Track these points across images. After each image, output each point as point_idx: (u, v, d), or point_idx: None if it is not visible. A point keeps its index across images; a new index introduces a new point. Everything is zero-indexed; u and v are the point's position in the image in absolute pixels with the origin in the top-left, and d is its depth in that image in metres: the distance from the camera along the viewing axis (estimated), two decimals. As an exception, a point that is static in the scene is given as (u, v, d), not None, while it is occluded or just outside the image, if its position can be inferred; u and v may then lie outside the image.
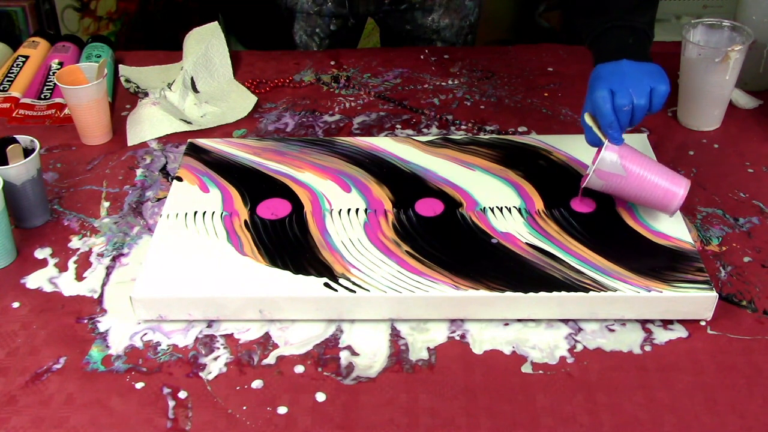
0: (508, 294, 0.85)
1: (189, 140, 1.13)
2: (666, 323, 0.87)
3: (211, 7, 2.32)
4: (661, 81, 0.92)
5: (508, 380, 0.82)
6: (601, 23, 1.00)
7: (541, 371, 0.82)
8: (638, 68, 0.93)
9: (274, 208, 0.98)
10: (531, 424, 0.77)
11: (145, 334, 0.88)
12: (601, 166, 0.92)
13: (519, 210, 0.97)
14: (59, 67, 1.33)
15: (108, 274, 0.95)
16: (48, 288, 0.94)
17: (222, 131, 1.21)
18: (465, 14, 1.46)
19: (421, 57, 1.39)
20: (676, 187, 0.91)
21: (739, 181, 1.08)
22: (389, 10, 1.45)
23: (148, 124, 1.21)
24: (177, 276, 0.89)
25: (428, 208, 0.98)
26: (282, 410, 0.79)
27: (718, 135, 1.18)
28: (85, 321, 0.90)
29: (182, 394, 0.81)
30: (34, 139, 1.01)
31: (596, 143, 0.94)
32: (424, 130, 1.20)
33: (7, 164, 0.98)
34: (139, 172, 1.13)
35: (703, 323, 0.87)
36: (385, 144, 1.10)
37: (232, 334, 0.87)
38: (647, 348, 0.85)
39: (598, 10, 1.00)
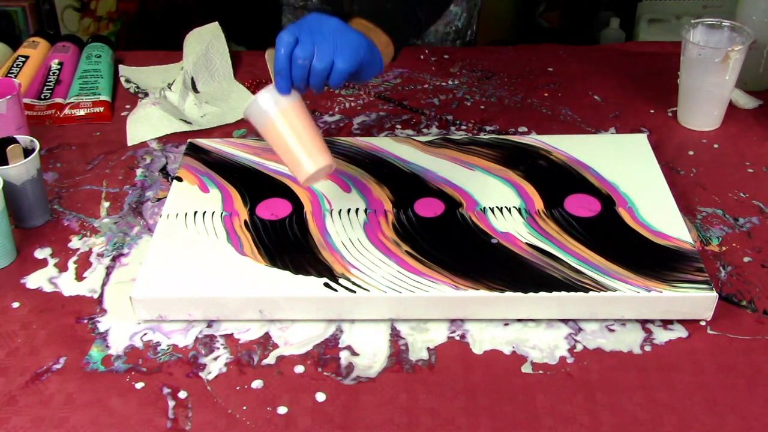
0: (508, 294, 0.85)
1: (189, 140, 1.13)
2: (666, 323, 0.87)
3: (211, 7, 2.32)
4: (344, 56, 0.85)
5: (508, 380, 0.82)
6: None
7: (541, 371, 0.82)
8: (341, 33, 0.86)
9: (274, 208, 0.98)
10: (531, 424, 0.77)
11: (145, 334, 0.88)
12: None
13: (519, 210, 0.97)
14: (59, 67, 1.33)
15: (108, 274, 0.95)
16: (48, 288, 0.94)
17: (222, 131, 1.21)
18: (449, 20, 1.45)
19: (421, 57, 1.39)
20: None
21: (739, 181, 1.08)
22: None
23: (148, 124, 1.21)
24: (177, 276, 0.89)
25: (428, 208, 0.98)
26: (282, 410, 0.79)
27: (718, 135, 1.18)
28: (85, 321, 0.90)
29: (182, 394, 0.81)
30: (34, 139, 1.01)
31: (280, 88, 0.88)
32: (424, 130, 1.20)
33: (7, 164, 0.98)
34: (139, 172, 1.13)
35: (703, 323, 0.87)
36: (385, 144, 1.10)
37: (232, 334, 0.87)
38: (647, 348, 0.85)
39: None
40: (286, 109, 0.88)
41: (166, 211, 0.99)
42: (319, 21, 0.86)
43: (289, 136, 0.88)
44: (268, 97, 0.88)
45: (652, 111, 1.24)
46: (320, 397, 0.80)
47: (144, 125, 1.21)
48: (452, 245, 0.92)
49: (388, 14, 0.94)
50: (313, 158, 0.88)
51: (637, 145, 1.09)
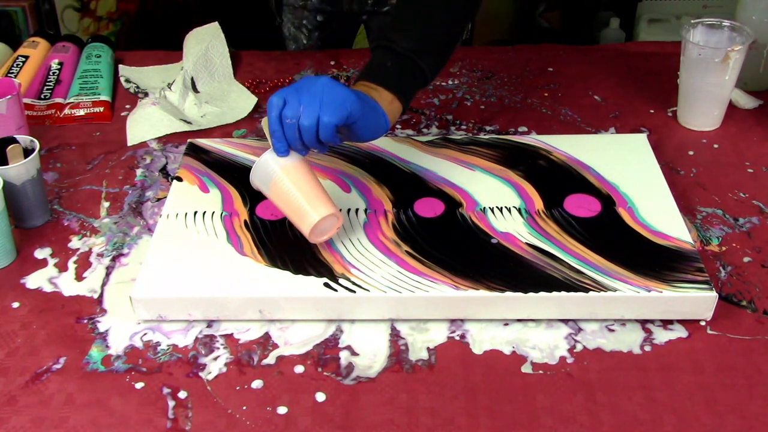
0: (508, 294, 0.85)
1: (189, 140, 1.13)
2: (666, 323, 0.87)
3: (211, 7, 2.32)
4: (329, 111, 0.85)
5: (508, 380, 0.82)
6: (375, 38, 0.98)
7: (541, 371, 0.82)
8: (328, 90, 0.86)
9: (273, 208, 0.98)
10: (531, 424, 0.77)
11: (145, 334, 0.88)
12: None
13: (519, 210, 0.97)
14: (59, 67, 1.33)
15: (108, 274, 0.95)
16: (48, 288, 0.94)
17: (222, 131, 1.21)
18: None
19: (421, 57, 1.39)
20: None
21: (739, 181, 1.08)
22: (373, 11, 1.45)
23: (148, 124, 1.21)
24: (177, 276, 0.89)
25: (428, 208, 0.98)
26: (282, 410, 0.79)
27: (718, 135, 1.18)
28: (85, 321, 0.90)
29: (182, 394, 0.81)
30: (34, 139, 1.01)
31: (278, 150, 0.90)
32: (424, 130, 1.20)
33: (7, 164, 0.98)
34: (139, 172, 1.13)
35: (703, 323, 0.87)
36: (385, 144, 1.10)
37: (232, 334, 0.87)
38: (647, 348, 0.85)
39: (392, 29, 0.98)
40: (286, 168, 0.89)
41: (166, 211, 0.99)
42: (308, 81, 0.88)
43: (291, 192, 0.89)
44: (268, 159, 0.90)
45: (652, 111, 1.24)
46: (320, 397, 0.80)
47: (144, 125, 1.21)
48: (452, 245, 0.92)
49: (387, 71, 0.95)
50: (317, 209, 0.88)
51: (637, 145, 1.09)
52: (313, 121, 0.85)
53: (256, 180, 0.92)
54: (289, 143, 0.88)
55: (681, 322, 0.87)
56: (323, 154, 1.07)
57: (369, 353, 0.85)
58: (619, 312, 0.87)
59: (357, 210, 0.98)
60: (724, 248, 0.97)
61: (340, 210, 0.97)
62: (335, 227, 0.90)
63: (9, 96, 1.09)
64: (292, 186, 0.89)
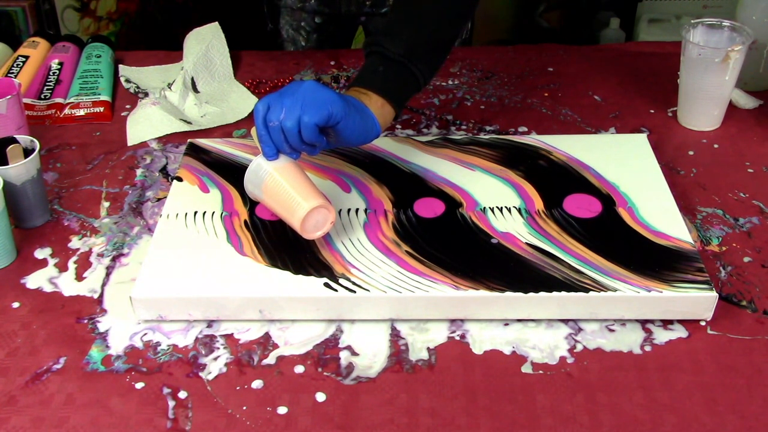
0: (508, 294, 0.85)
1: (189, 140, 1.13)
2: (666, 323, 0.87)
3: (211, 8, 2.33)
4: (309, 111, 0.85)
5: (508, 380, 0.82)
6: (367, 45, 0.99)
7: (541, 371, 0.82)
8: (311, 92, 0.87)
9: (274, 208, 0.98)
10: (531, 424, 0.77)
11: (145, 334, 0.88)
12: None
13: (519, 210, 0.97)
14: (59, 67, 1.33)
15: (108, 274, 0.95)
16: (48, 288, 0.94)
17: (222, 131, 1.21)
18: None
19: (421, 57, 1.39)
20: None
21: (739, 181, 1.08)
22: (371, 13, 1.45)
23: (148, 124, 1.21)
24: (177, 276, 0.89)
25: (428, 208, 0.98)
26: (282, 410, 0.79)
27: (718, 135, 1.18)
28: (85, 321, 0.90)
29: (182, 394, 0.81)
30: (34, 139, 1.01)
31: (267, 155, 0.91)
32: (424, 130, 1.20)
33: (7, 164, 0.98)
34: (139, 172, 1.13)
35: (703, 323, 0.87)
36: (385, 144, 1.10)
37: (232, 334, 0.87)
38: (647, 348, 0.85)
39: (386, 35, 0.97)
40: (277, 168, 0.90)
41: (166, 211, 0.99)
42: (292, 86, 0.88)
43: (283, 188, 0.89)
44: (260, 163, 0.91)
45: (652, 111, 1.24)
46: (320, 397, 0.80)
47: (144, 125, 1.21)
48: (452, 245, 0.92)
49: (378, 76, 0.96)
50: (308, 201, 0.88)
51: (637, 145, 1.09)
52: (294, 122, 0.86)
53: (249, 185, 0.93)
54: (277, 146, 0.89)
55: (681, 322, 0.87)
56: (324, 155, 1.07)
57: (369, 353, 0.85)
58: (619, 312, 0.87)
59: (357, 210, 0.98)
60: (724, 248, 0.97)
61: (340, 210, 0.98)
62: (329, 222, 0.90)
63: (9, 96, 1.09)
64: (284, 182, 0.89)
